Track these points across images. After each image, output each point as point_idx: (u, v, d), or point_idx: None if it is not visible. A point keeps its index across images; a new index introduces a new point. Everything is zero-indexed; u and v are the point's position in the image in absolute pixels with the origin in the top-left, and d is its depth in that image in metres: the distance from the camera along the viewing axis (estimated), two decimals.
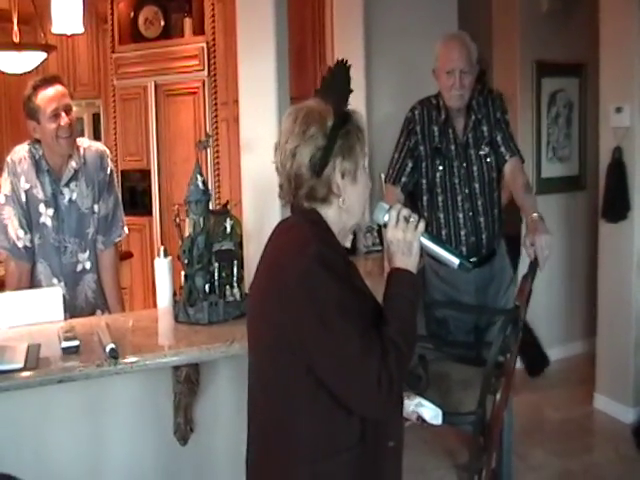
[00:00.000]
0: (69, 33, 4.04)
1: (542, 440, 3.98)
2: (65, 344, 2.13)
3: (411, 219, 1.70)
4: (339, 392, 1.57)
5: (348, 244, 1.77)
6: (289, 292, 1.56)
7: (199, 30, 5.24)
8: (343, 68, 1.73)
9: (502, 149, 3.08)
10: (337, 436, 1.61)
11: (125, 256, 4.43)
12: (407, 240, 1.69)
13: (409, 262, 1.69)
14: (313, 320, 1.53)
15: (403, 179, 3.10)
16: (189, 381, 2.32)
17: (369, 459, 1.64)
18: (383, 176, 3.29)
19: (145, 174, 5.39)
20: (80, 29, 3.94)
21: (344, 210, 1.68)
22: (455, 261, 1.78)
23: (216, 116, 5.10)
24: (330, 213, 1.68)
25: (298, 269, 1.55)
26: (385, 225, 1.74)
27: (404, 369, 1.59)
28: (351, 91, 1.72)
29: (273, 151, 1.71)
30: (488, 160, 3.09)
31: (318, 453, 1.60)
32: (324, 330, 1.53)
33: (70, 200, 2.85)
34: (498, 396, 2.30)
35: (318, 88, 1.79)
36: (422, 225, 1.71)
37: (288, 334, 1.57)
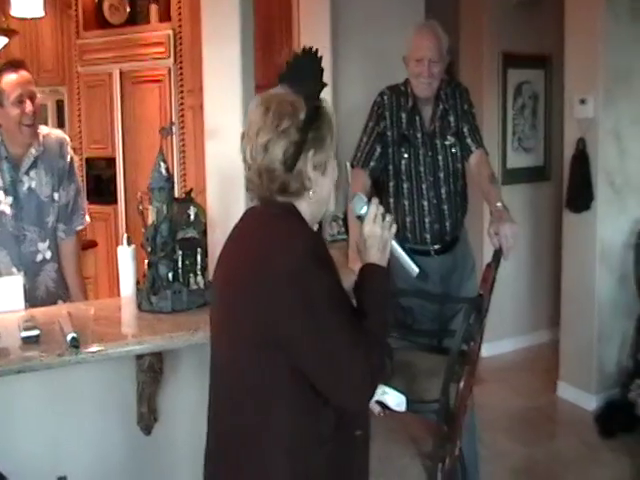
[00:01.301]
0: (29, 16, 3.96)
1: (507, 428, 4.03)
2: (25, 334, 2.09)
3: (387, 218, 1.72)
4: (325, 386, 1.57)
5: None
6: (279, 291, 1.53)
7: (165, 17, 5.18)
8: (313, 57, 1.71)
9: (468, 140, 3.09)
10: (316, 429, 1.61)
11: (89, 245, 4.38)
12: (384, 237, 1.70)
13: (383, 258, 1.70)
14: (303, 317, 1.52)
15: (372, 163, 3.08)
16: (152, 370, 2.30)
17: (341, 450, 1.65)
18: (349, 164, 3.27)
19: (110, 162, 5.33)
20: (40, 12, 3.88)
21: (314, 202, 1.67)
22: (415, 270, 1.80)
23: (182, 104, 5.05)
24: (302, 205, 1.67)
25: (289, 268, 1.53)
26: (361, 217, 1.74)
27: (384, 361, 1.64)
28: (325, 84, 1.71)
29: (240, 141, 1.68)
30: (453, 150, 3.09)
31: (298, 448, 1.60)
32: (314, 326, 1.52)
33: (29, 188, 2.80)
34: (462, 384, 2.30)
35: (283, 74, 1.77)
36: (395, 227, 1.72)
37: (275, 332, 1.55)
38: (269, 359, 1.58)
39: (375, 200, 1.75)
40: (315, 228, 1.76)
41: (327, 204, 1.74)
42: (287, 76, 1.72)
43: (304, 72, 1.69)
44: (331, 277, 1.58)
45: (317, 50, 1.71)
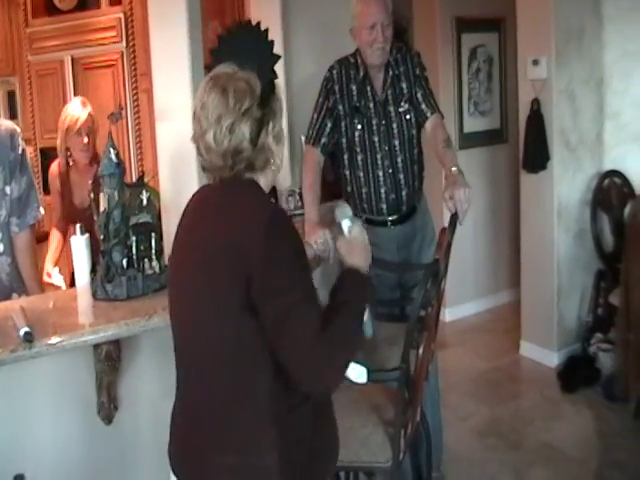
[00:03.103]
0: None
1: (471, 390, 4.09)
2: None
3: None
4: (281, 341, 1.56)
5: None
6: (256, 244, 1.55)
7: (116, 0, 5.10)
8: (252, 30, 1.69)
9: (423, 106, 3.07)
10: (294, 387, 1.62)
11: (47, 237, 4.31)
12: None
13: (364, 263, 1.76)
14: (276, 263, 1.55)
15: (323, 139, 3.08)
16: (110, 359, 2.29)
17: (320, 405, 1.70)
18: (303, 138, 3.27)
19: None
20: None
21: (273, 171, 1.74)
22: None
23: (136, 87, 4.99)
24: (262, 178, 1.72)
25: (263, 223, 1.56)
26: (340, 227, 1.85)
27: (345, 350, 1.61)
28: (278, 57, 1.75)
29: (192, 123, 1.68)
30: (408, 117, 3.08)
31: (280, 410, 1.62)
32: (282, 274, 1.55)
33: None
34: (421, 350, 2.33)
35: (216, 49, 1.76)
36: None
37: (249, 288, 1.56)
38: (248, 320, 1.58)
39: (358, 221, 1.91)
40: None
41: (280, 171, 1.80)
42: (225, 51, 1.71)
43: (246, 46, 1.69)
44: (299, 237, 1.65)
45: (258, 23, 1.71)
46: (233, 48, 1.74)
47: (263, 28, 1.77)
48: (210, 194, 1.74)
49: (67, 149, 3.55)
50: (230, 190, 1.70)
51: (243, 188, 1.69)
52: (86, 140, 3.49)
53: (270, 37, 1.76)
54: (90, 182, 3.46)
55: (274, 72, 1.75)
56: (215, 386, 1.67)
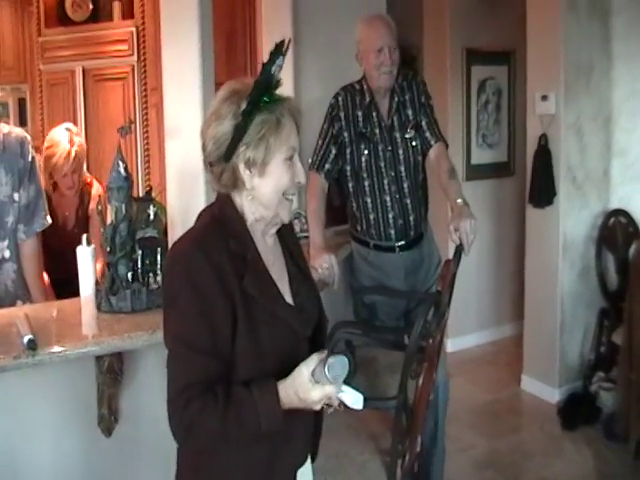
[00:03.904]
0: None
1: (471, 422, 4.06)
2: None
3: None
4: None
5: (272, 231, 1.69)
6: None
7: (128, 14, 5.13)
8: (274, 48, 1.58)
9: (427, 134, 3.08)
10: None
11: None
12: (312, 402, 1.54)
13: (294, 403, 1.53)
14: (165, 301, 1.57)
15: (326, 166, 3.09)
16: (112, 371, 2.28)
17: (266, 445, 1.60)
18: (310, 161, 3.28)
19: None
20: None
21: (254, 201, 1.59)
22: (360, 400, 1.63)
23: (146, 102, 5.01)
24: (243, 201, 1.60)
25: (168, 256, 1.60)
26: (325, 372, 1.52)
27: (209, 421, 1.48)
28: (265, 67, 1.56)
29: None
30: (414, 144, 3.08)
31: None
32: (168, 312, 1.55)
33: None
34: (421, 380, 2.31)
35: None
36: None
37: None
38: None
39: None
40: (268, 232, 1.66)
41: (272, 210, 1.60)
42: None
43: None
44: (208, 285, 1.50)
45: (281, 42, 1.59)
46: None
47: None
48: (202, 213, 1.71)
49: (51, 175, 3.38)
50: (204, 209, 1.67)
51: (207, 211, 1.64)
52: (72, 181, 3.36)
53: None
54: (76, 197, 3.43)
55: (265, 94, 1.55)
56: None
